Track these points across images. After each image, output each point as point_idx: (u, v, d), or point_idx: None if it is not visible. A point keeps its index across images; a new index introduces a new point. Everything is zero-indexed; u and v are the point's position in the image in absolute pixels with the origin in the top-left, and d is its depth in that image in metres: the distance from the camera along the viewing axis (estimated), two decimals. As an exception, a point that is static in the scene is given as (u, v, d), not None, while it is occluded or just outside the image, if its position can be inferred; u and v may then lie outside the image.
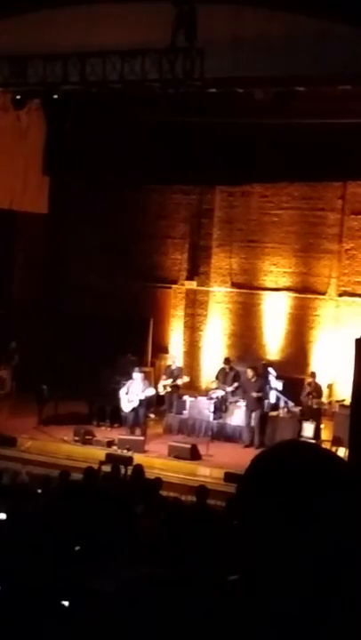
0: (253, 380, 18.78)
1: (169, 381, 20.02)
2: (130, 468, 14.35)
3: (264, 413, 18.69)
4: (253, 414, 18.58)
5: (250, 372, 18.85)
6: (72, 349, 20.73)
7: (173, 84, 15.56)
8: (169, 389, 19.99)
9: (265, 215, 22.15)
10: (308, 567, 1.39)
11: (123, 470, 14.39)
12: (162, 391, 20.12)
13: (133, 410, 18.61)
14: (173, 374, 20.10)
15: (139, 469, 13.92)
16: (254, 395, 18.57)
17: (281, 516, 1.41)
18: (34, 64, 16.59)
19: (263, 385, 18.95)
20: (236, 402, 19.34)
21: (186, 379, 20.25)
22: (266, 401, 18.96)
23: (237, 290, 22.51)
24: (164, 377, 20.35)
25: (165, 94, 16.15)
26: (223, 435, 19.11)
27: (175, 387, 19.98)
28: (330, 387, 20.12)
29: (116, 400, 18.97)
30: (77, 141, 19.69)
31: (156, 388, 19.92)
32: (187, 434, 19.23)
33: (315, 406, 18.69)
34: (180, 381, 19.99)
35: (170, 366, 20.52)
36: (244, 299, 22.42)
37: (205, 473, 16.59)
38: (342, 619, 1.40)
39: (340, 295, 21.12)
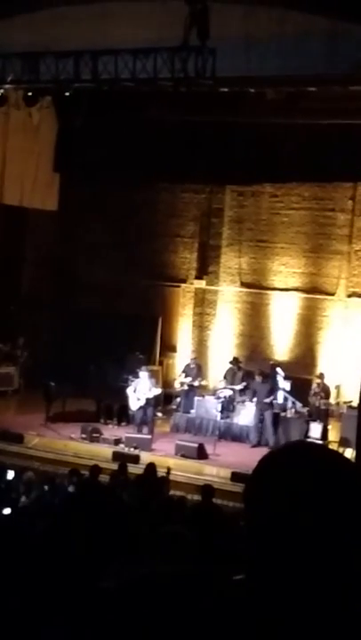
0: (263, 383, 18.78)
1: (188, 379, 20.05)
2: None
3: (275, 414, 18.67)
4: (266, 415, 18.54)
5: (259, 376, 18.83)
6: (80, 347, 20.75)
7: (185, 83, 15.54)
8: (186, 387, 20.01)
9: (275, 215, 22.14)
10: (314, 568, 1.39)
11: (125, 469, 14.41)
12: (178, 387, 20.21)
13: (141, 408, 18.62)
14: (192, 373, 20.11)
15: (151, 468, 13.94)
16: (266, 400, 18.58)
17: (288, 516, 1.41)
18: (46, 61, 16.59)
19: (274, 387, 18.93)
20: (244, 401, 19.33)
21: (204, 382, 20.22)
22: (274, 401, 18.96)
23: (246, 289, 22.50)
24: (183, 374, 20.39)
25: (177, 93, 16.13)
26: (230, 434, 19.11)
27: (191, 386, 19.98)
28: (338, 388, 20.09)
29: (124, 398, 18.98)
30: (88, 139, 19.71)
31: (163, 386, 19.94)
32: (194, 433, 19.25)
33: (322, 407, 18.68)
34: (196, 382, 19.97)
35: (188, 364, 20.55)
36: (252, 298, 22.41)
37: (212, 472, 16.58)
38: (348, 621, 1.39)
39: (350, 296, 21.09)
